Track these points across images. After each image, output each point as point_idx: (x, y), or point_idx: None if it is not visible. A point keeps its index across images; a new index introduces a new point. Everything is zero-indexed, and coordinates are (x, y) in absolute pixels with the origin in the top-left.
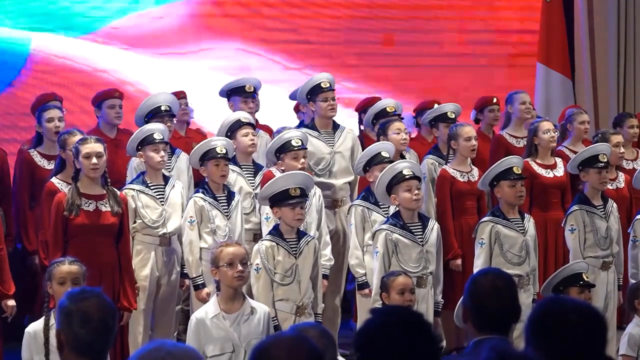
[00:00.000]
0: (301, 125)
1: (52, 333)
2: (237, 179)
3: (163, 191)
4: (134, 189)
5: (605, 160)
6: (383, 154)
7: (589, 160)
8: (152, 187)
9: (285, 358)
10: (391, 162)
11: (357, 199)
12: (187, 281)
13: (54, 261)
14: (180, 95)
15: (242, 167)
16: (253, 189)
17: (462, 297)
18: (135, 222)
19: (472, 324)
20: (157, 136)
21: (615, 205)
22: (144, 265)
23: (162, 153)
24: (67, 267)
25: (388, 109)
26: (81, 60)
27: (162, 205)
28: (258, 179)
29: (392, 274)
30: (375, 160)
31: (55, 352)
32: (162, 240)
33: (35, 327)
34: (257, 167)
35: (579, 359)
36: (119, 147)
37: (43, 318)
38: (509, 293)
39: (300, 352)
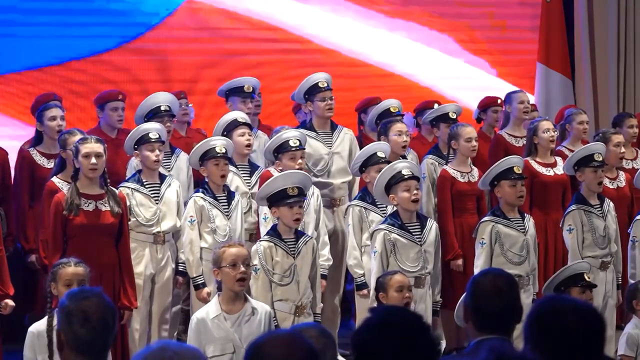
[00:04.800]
0: (302, 125)
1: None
2: (233, 178)
3: (158, 190)
4: (128, 187)
5: (601, 159)
6: (379, 154)
7: (585, 160)
8: (147, 186)
9: (281, 356)
10: (387, 162)
11: (354, 199)
12: (180, 279)
13: (59, 262)
14: (180, 95)
15: (238, 167)
16: (249, 189)
17: (462, 297)
18: (129, 220)
19: (473, 324)
20: (153, 135)
21: (612, 204)
22: (138, 262)
23: (158, 152)
24: (73, 269)
25: (392, 109)
26: None
27: (157, 204)
28: (254, 178)
29: (388, 273)
30: (372, 161)
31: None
32: (155, 238)
33: (38, 327)
34: (252, 167)
35: (578, 358)
36: (119, 147)
37: (46, 318)
38: (510, 293)
39: (296, 350)
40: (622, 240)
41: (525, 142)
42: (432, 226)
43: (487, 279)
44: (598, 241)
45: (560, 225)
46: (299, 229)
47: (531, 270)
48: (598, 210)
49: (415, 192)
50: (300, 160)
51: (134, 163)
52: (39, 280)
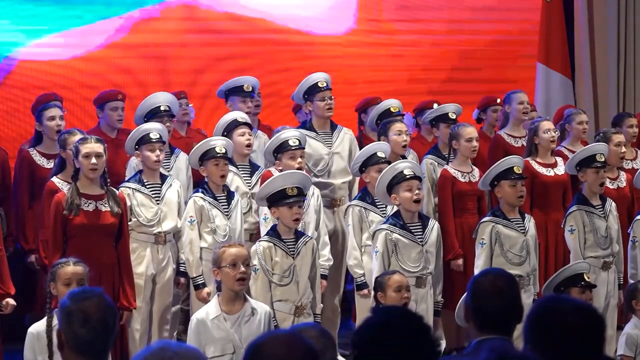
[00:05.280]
0: (302, 126)
1: (55, 334)
2: (233, 178)
3: (159, 190)
4: (129, 188)
5: (603, 160)
6: (379, 154)
7: (587, 160)
8: (148, 186)
9: (281, 356)
10: (388, 162)
11: (354, 199)
12: (182, 279)
13: (58, 262)
14: (180, 95)
15: (239, 167)
16: (249, 189)
17: (462, 297)
18: (130, 220)
19: (474, 324)
20: (154, 135)
21: (614, 204)
22: (139, 263)
23: (158, 152)
24: (72, 268)
25: (392, 109)
26: None
27: (158, 204)
28: (254, 178)
29: (387, 273)
30: (372, 161)
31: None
32: (157, 238)
33: (38, 327)
34: (253, 167)
35: (577, 358)
36: (119, 147)
37: (46, 319)
38: (511, 293)
39: (296, 350)
40: (622, 240)
41: (524, 142)
42: (433, 226)
43: (487, 279)
44: (600, 242)
45: (562, 226)
46: (300, 229)
47: (532, 271)
48: (600, 211)
49: (417, 192)
50: (299, 160)
51: (133, 163)
52: (39, 280)
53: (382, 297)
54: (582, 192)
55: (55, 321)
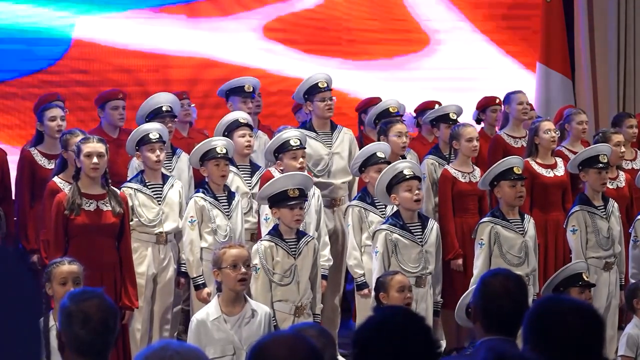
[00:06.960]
0: (302, 126)
1: (52, 334)
2: (233, 179)
3: (161, 190)
4: (131, 188)
5: (606, 160)
6: (379, 154)
7: (589, 161)
8: (150, 186)
9: (284, 357)
10: (387, 162)
11: (354, 199)
12: (182, 279)
13: (52, 262)
14: (182, 96)
15: (239, 167)
16: (250, 189)
17: (462, 297)
18: (132, 220)
19: (481, 324)
20: (153, 136)
21: (616, 205)
22: (141, 262)
23: (158, 152)
24: (67, 267)
25: (391, 109)
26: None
27: (159, 204)
28: (255, 179)
29: (389, 273)
30: (371, 161)
31: (56, 353)
32: (158, 238)
33: None
34: (253, 167)
35: (576, 358)
36: (120, 147)
37: (42, 319)
38: (520, 294)
39: (299, 351)
40: (623, 241)
41: (524, 142)
42: (433, 226)
43: (497, 280)
44: (602, 242)
45: (564, 226)
46: (300, 229)
47: (531, 271)
48: (602, 212)
49: (417, 192)
50: (301, 159)
51: (135, 164)
52: (39, 280)
53: (384, 298)
54: (584, 193)
55: (51, 322)
